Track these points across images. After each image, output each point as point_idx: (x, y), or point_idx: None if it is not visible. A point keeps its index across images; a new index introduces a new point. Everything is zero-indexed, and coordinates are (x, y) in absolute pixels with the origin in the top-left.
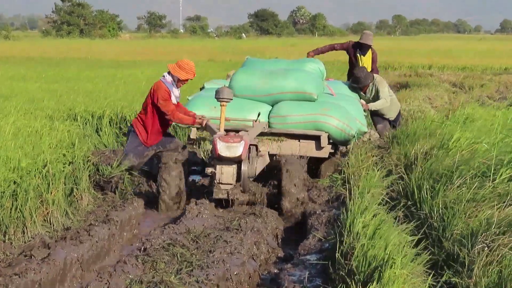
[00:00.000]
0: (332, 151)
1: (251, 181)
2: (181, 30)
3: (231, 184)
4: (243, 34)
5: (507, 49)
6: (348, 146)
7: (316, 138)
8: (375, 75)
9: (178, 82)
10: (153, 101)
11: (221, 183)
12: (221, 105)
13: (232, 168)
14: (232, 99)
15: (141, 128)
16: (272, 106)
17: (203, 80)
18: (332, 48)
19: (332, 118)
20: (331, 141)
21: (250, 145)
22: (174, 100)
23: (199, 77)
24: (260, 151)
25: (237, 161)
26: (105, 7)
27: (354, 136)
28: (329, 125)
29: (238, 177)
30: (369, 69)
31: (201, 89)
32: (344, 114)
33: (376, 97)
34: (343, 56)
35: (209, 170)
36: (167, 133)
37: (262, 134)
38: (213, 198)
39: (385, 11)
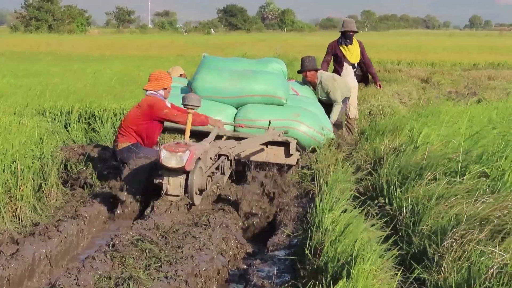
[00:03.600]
0: (300, 158)
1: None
2: (150, 25)
3: (177, 196)
4: (212, 30)
5: (476, 45)
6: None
7: (285, 145)
8: (323, 73)
9: (164, 92)
10: (150, 118)
11: (168, 194)
12: (188, 112)
13: (180, 179)
14: (199, 106)
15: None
16: (237, 108)
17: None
18: (326, 63)
19: (301, 124)
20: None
21: (221, 155)
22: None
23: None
24: (232, 163)
25: (185, 172)
26: (74, 2)
27: (323, 143)
28: (299, 131)
29: (186, 189)
30: (358, 59)
31: None
32: (315, 121)
33: (327, 98)
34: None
35: (157, 180)
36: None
37: (228, 138)
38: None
39: (354, 6)
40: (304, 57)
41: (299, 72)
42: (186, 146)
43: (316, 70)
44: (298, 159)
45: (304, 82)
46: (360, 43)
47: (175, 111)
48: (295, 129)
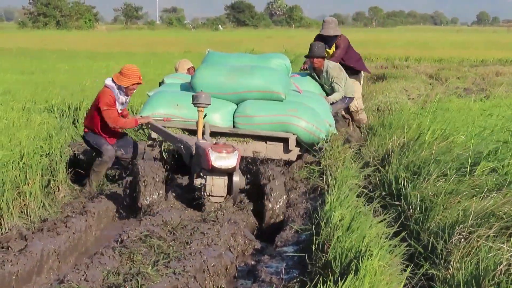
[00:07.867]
0: (300, 153)
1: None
2: (158, 22)
3: (222, 196)
4: (220, 26)
5: (483, 41)
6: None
7: (284, 140)
8: (330, 62)
9: (126, 89)
10: (98, 106)
11: (212, 196)
12: (198, 111)
13: (223, 180)
14: (210, 104)
15: (98, 132)
16: (237, 104)
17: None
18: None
19: (300, 120)
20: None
21: None
22: (118, 107)
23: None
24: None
25: (229, 172)
26: None
27: (323, 138)
28: (297, 126)
29: (229, 189)
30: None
31: (160, 83)
32: (313, 116)
33: (331, 88)
34: None
35: (198, 181)
36: (124, 134)
37: (227, 135)
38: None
39: (361, 2)
40: (313, 43)
41: (306, 57)
42: (232, 147)
43: (324, 58)
44: (300, 155)
45: (308, 72)
46: (342, 41)
47: (112, 116)
48: (294, 125)
